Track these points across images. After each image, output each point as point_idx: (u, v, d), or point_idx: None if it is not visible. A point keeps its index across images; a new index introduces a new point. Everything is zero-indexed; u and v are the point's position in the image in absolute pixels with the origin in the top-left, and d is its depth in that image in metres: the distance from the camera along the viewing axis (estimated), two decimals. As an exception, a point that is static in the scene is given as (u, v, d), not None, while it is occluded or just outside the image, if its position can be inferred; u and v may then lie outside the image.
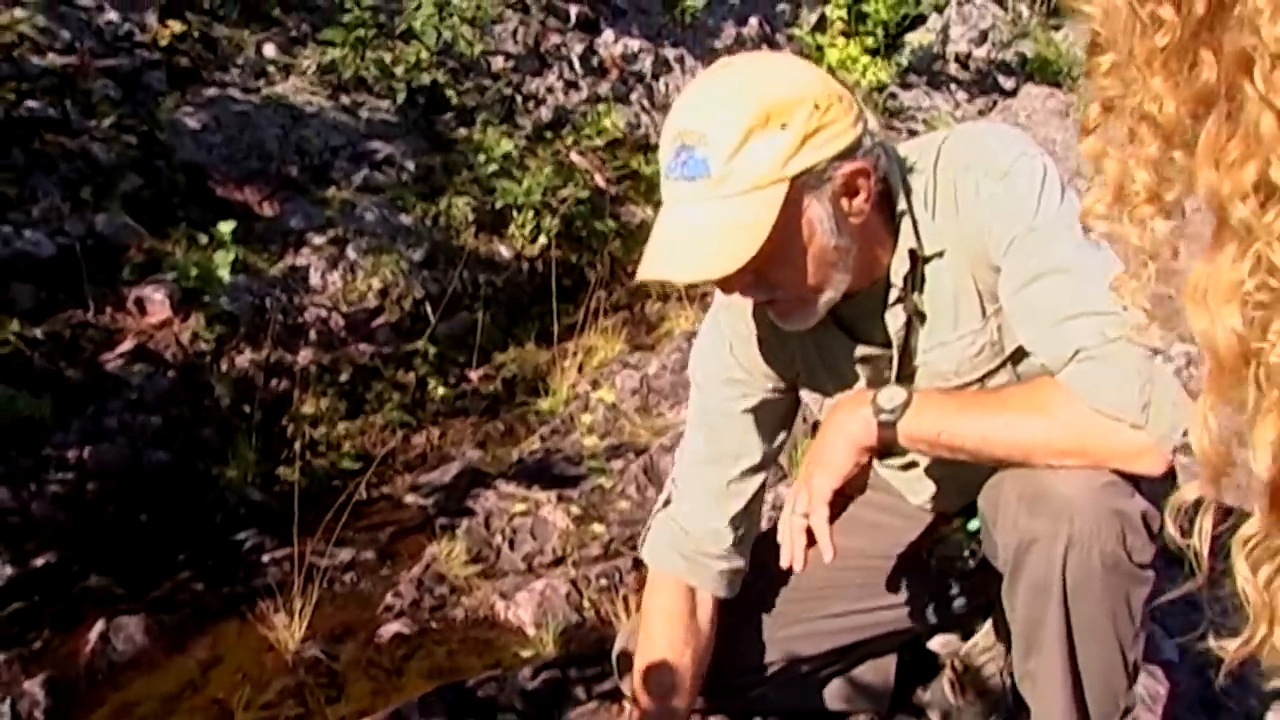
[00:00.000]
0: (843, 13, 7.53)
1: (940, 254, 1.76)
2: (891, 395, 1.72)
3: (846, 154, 1.63)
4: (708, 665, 2.03)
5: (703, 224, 1.61)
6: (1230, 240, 0.71)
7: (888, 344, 1.82)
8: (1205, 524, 0.81)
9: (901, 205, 1.75)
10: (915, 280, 1.77)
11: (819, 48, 7.43)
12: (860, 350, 1.85)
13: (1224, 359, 0.73)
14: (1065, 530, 1.60)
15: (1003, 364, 1.80)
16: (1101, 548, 1.60)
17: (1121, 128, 0.78)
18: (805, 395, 2.01)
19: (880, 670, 2.19)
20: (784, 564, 1.79)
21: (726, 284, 1.68)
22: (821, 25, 7.72)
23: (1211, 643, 0.84)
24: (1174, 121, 0.73)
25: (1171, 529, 0.84)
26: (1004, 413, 1.69)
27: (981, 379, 1.81)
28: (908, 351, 1.83)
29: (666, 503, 2.08)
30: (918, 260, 1.76)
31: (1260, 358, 0.72)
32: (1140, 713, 2.26)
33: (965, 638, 2.23)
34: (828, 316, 1.81)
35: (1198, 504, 0.82)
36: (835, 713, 2.22)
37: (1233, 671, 2.20)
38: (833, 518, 1.76)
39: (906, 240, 1.75)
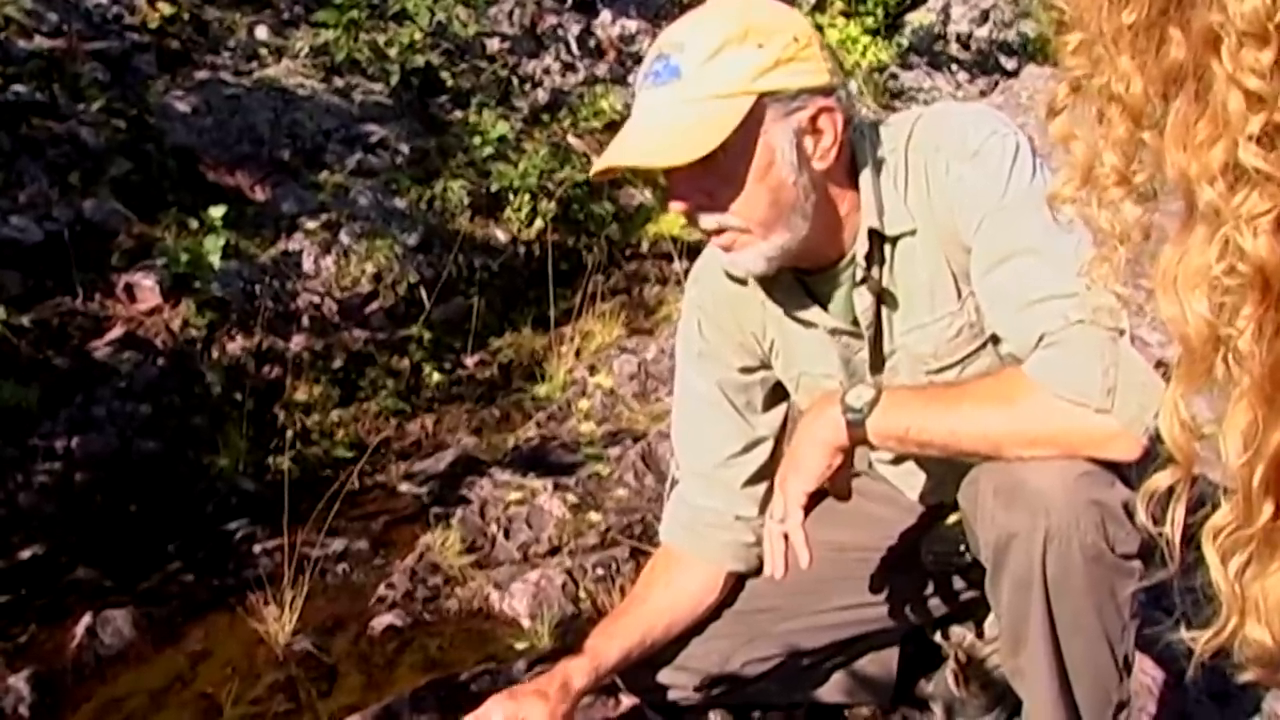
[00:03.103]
0: (843, -8, 7.50)
1: (912, 233, 1.74)
2: (859, 394, 1.71)
3: (818, 91, 1.66)
4: (661, 643, 2.00)
5: (663, 121, 1.65)
6: (1199, 224, 0.70)
7: (860, 325, 1.82)
8: (1177, 513, 0.80)
9: (866, 182, 1.74)
10: (877, 259, 1.77)
11: (819, 28, 7.37)
12: (832, 324, 1.84)
13: (1193, 346, 0.72)
14: (1043, 524, 1.57)
15: (983, 345, 1.79)
16: (1081, 540, 1.57)
17: (1090, 109, 0.76)
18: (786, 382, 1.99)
19: (882, 662, 2.15)
20: (767, 573, 1.79)
21: (678, 192, 1.70)
22: (821, 5, 7.68)
23: (1184, 634, 0.82)
24: (1142, 101, 0.72)
25: (1143, 517, 0.82)
26: (969, 406, 1.67)
27: (961, 361, 1.79)
28: (881, 334, 1.82)
29: (674, 482, 2.11)
30: (878, 239, 1.75)
31: (1229, 344, 0.71)
32: (1146, 703, 2.23)
33: (977, 628, 2.20)
34: (799, 288, 1.82)
35: (1170, 492, 0.80)
36: (837, 705, 2.19)
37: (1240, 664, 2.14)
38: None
39: (868, 218, 1.74)
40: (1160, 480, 0.80)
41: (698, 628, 2.03)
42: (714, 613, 2.04)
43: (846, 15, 7.47)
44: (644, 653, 1.98)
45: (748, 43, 1.63)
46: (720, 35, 1.63)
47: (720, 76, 1.62)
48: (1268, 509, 0.73)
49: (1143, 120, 0.73)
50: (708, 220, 1.72)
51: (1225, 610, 0.78)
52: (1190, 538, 0.80)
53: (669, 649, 2.02)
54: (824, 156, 1.69)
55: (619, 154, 1.71)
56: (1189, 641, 0.82)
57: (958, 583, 2.05)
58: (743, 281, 1.87)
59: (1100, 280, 0.81)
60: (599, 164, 1.72)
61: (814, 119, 1.66)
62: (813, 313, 1.84)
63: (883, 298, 1.80)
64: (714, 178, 1.66)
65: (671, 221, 5.34)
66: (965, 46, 8.42)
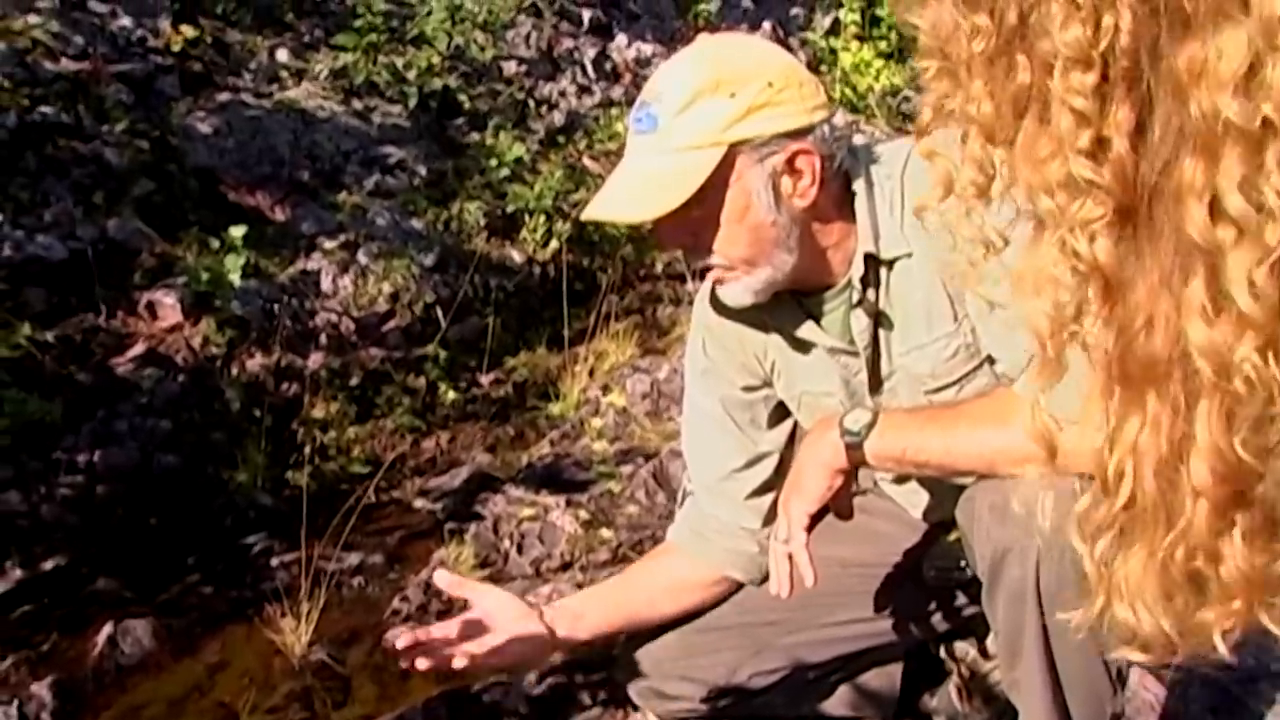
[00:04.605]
0: (856, 16, 7.52)
1: (908, 256, 1.78)
2: (857, 417, 1.74)
3: (793, 134, 1.70)
4: (641, 621, 2.07)
5: (640, 173, 1.72)
6: (1043, 230, 0.77)
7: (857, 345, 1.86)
8: (1047, 501, 0.91)
9: (861, 207, 1.78)
10: (873, 281, 1.81)
11: (833, 51, 7.42)
12: (830, 343, 1.88)
13: (1045, 342, 0.80)
14: (1036, 538, 1.60)
15: (979, 365, 1.82)
16: (1073, 554, 1.58)
17: (951, 129, 0.83)
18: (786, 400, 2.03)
19: (886, 676, 2.18)
20: (772, 592, 1.82)
21: (663, 236, 1.78)
22: (835, 29, 7.71)
23: (1058, 615, 0.90)
24: (994, 121, 0.78)
25: (1017, 506, 0.89)
26: (963, 427, 1.69)
27: (959, 381, 1.83)
28: (879, 354, 1.86)
29: (686, 493, 2.15)
30: (873, 262, 1.79)
31: (1076, 340, 0.78)
32: (1147, 717, 2.25)
33: (979, 645, 2.22)
34: (799, 309, 1.87)
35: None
36: (842, 718, 2.21)
37: (1241, 678, 2.17)
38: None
39: (863, 243, 1.78)
40: (1030, 473, 0.88)
41: (700, 636, 2.06)
42: (705, 611, 2.08)
43: (860, 39, 7.50)
44: (620, 622, 2.06)
45: (720, 93, 1.67)
46: (694, 86, 1.68)
47: (692, 128, 1.68)
48: (1124, 495, 0.79)
49: (995, 138, 0.79)
50: (693, 257, 1.80)
51: (1093, 592, 0.85)
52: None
53: (674, 654, 2.06)
54: (804, 195, 1.73)
55: (600, 208, 1.77)
56: (1061, 620, 0.88)
57: (959, 598, 2.08)
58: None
59: (969, 283, 0.87)
60: (585, 214, 1.81)
61: (790, 161, 1.70)
62: (812, 333, 1.88)
63: (879, 319, 1.84)
64: (694, 223, 1.72)
65: (685, 243, 5.37)
66: (979, 71, 8.45)
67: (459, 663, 1.88)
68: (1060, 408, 1.58)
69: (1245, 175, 0.67)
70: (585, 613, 2.02)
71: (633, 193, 1.73)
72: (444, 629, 1.90)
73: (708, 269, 1.80)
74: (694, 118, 1.67)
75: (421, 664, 1.86)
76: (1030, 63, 0.74)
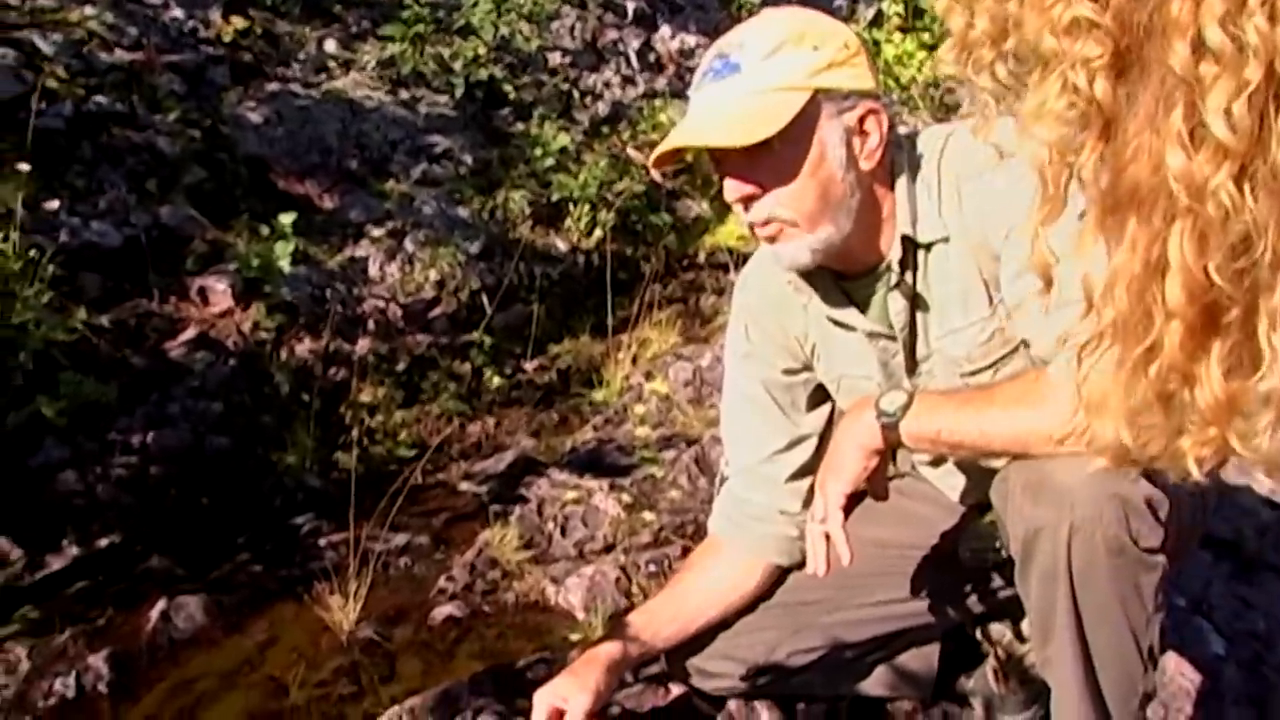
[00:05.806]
0: (899, 8, 7.52)
1: (945, 240, 1.80)
2: (893, 398, 1.76)
3: (867, 94, 1.75)
4: (693, 626, 2.09)
5: (725, 108, 1.72)
6: (1048, 72, 0.81)
7: (894, 328, 1.88)
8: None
9: (901, 190, 1.81)
10: (910, 265, 1.83)
11: (876, 43, 7.41)
12: (869, 327, 1.90)
13: (1046, 176, 0.84)
14: (1068, 517, 1.61)
15: (1014, 350, 1.83)
16: (1104, 533, 1.60)
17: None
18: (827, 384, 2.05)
19: (924, 657, 2.20)
20: (809, 571, 1.85)
21: (734, 177, 1.76)
22: (878, 20, 7.70)
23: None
24: None
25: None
26: (997, 408, 1.70)
27: (995, 365, 1.85)
28: (916, 337, 1.88)
29: (723, 479, 2.18)
30: (911, 245, 1.82)
31: (1076, 173, 0.83)
32: (1184, 704, 2.27)
33: (1015, 627, 2.24)
34: (839, 291, 1.89)
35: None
36: (879, 698, 2.24)
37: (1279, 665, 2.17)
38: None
39: (902, 225, 1.81)
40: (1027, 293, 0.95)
41: (742, 618, 2.10)
42: (756, 604, 2.10)
43: (903, 30, 7.49)
44: (676, 634, 2.08)
45: (804, 44, 1.72)
46: (778, 36, 1.72)
47: (779, 71, 1.71)
48: (1102, 314, 0.85)
49: None
50: (758, 209, 1.78)
51: (1076, 408, 0.91)
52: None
53: (715, 637, 2.09)
54: (870, 157, 1.76)
55: (681, 136, 1.77)
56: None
57: (995, 580, 2.10)
58: (789, 288, 1.95)
59: (985, 136, 0.92)
60: (663, 145, 1.78)
61: (862, 120, 1.75)
62: (851, 316, 1.91)
63: (916, 302, 1.86)
64: (768, 167, 1.73)
65: (727, 232, 5.41)
66: (1024, 61, 8.40)
67: None
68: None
69: (1226, 12, 0.71)
70: (636, 636, 2.04)
71: (719, 124, 1.73)
72: None
73: (767, 224, 1.79)
74: (780, 62, 1.71)
75: None
76: None
